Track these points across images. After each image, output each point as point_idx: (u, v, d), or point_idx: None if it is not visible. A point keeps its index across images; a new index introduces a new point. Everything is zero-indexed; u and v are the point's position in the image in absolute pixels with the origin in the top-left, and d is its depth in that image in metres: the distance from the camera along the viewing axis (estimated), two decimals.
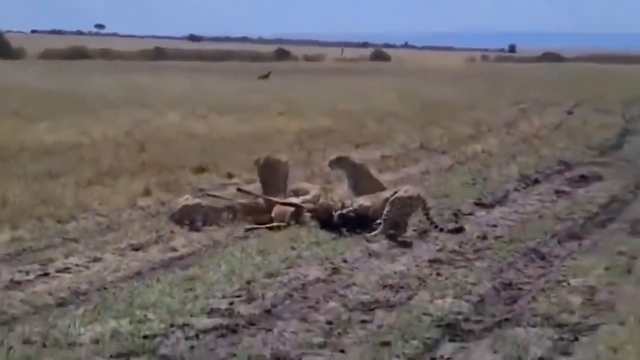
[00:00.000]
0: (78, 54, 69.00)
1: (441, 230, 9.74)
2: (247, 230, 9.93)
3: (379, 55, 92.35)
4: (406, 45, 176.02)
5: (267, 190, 11.01)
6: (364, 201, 10.04)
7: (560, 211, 11.33)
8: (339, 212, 9.85)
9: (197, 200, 10.48)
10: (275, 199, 10.70)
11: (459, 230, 9.87)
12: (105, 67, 52.38)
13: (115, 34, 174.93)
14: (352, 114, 24.07)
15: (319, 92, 32.01)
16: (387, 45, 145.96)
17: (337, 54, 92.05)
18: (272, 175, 11.21)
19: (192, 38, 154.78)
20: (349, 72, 54.40)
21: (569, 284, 7.78)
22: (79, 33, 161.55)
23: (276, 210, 10.43)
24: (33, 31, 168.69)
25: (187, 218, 10.20)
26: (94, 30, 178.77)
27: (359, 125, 21.31)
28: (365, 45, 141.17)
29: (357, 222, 9.85)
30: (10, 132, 17.96)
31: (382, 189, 10.59)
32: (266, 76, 42.04)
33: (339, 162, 11.20)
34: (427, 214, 9.88)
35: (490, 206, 11.70)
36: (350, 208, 9.89)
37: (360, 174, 10.98)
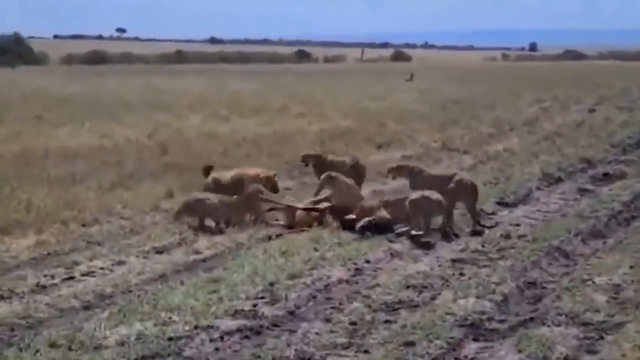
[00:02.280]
0: (100, 58, 69.51)
1: (456, 236, 9.73)
2: (271, 238, 9.87)
3: (400, 56, 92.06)
4: (426, 45, 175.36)
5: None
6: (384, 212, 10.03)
7: (584, 209, 11.27)
8: (359, 224, 9.85)
9: (200, 196, 10.53)
10: (295, 205, 10.69)
11: (477, 233, 9.85)
12: (127, 70, 52.60)
13: (136, 38, 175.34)
14: (373, 114, 24.05)
15: (339, 93, 31.97)
16: (407, 46, 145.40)
17: (357, 55, 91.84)
18: (359, 176, 11.72)
19: (213, 41, 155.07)
20: (369, 72, 54.30)
21: (593, 282, 7.74)
22: (101, 37, 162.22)
23: (299, 215, 10.44)
24: (55, 36, 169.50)
25: (192, 214, 10.30)
26: (116, 34, 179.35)
27: (379, 125, 21.27)
28: (385, 45, 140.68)
29: (379, 228, 9.86)
30: (34, 136, 18.10)
31: (442, 181, 10.51)
32: (410, 79, 42.35)
33: (400, 171, 11.10)
34: (448, 219, 9.90)
35: (513, 205, 11.67)
36: (371, 218, 9.89)
37: (417, 173, 10.93)
